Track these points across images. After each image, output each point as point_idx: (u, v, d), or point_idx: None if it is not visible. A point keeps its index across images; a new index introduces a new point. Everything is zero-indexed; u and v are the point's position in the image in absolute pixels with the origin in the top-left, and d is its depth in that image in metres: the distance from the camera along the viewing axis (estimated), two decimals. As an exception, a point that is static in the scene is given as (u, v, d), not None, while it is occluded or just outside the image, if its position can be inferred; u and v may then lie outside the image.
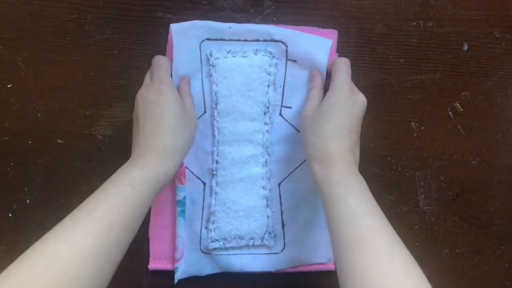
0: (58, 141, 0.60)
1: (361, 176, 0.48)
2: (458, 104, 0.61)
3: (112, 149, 0.59)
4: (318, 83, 0.56)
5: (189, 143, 0.53)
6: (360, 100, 0.51)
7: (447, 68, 0.61)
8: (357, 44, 0.60)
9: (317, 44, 0.57)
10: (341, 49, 0.60)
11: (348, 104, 0.50)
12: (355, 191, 0.46)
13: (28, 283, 0.37)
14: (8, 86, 0.59)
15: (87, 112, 0.60)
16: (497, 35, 0.60)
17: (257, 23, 0.58)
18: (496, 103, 0.61)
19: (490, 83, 0.61)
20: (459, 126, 0.61)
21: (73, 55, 0.59)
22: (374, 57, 0.60)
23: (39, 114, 0.60)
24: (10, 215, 0.60)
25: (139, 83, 0.59)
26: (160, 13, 0.58)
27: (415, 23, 0.60)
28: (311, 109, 0.53)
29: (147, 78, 0.54)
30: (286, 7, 0.59)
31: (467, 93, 0.61)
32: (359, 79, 0.60)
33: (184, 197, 0.58)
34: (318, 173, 0.49)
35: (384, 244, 0.42)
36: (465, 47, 0.61)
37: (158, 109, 0.50)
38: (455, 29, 0.60)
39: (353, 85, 0.53)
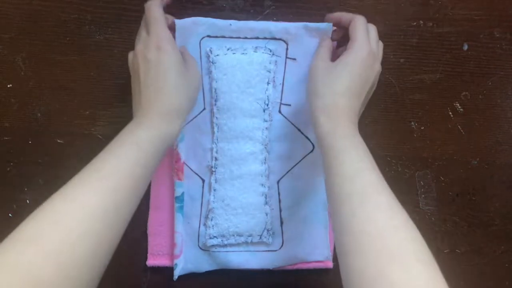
0: (58, 141, 0.60)
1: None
2: (458, 104, 0.61)
3: (112, 149, 0.59)
4: (328, 43, 0.55)
5: (193, 102, 0.52)
6: (376, 67, 0.51)
7: (447, 68, 0.61)
8: (357, 44, 0.60)
9: (318, 34, 0.57)
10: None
11: (366, 66, 0.50)
12: (359, 146, 0.46)
13: (36, 240, 0.38)
14: (8, 86, 0.59)
15: (87, 112, 0.60)
16: (497, 35, 0.60)
17: (260, 21, 0.58)
18: (496, 103, 0.61)
19: (490, 83, 0.61)
20: (459, 126, 0.61)
21: (73, 55, 0.59)
22: (374, 57, 0.60)
23: (39, 114, 0.60)
24: (10, 215, 0.60)
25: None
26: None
27: (415, 23, 0.60)
28: (322, 60, 0.52)
29: (143, 33, 0.51)
30: (286, 7, 0.59)
31: (467, 93, 0.61)
32: (359, 79, 0.60)
33: (182, 193, 0.58)
34: (324, 125, 0.48)
35: (386, 200, 0.42)
36: (465, 47, 0.61)
37: (161, 68, 0.48)
38: (455, 29, 0.60)
39: (372, 50, 0.51)
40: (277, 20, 0.59)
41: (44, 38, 0.59)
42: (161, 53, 0.48)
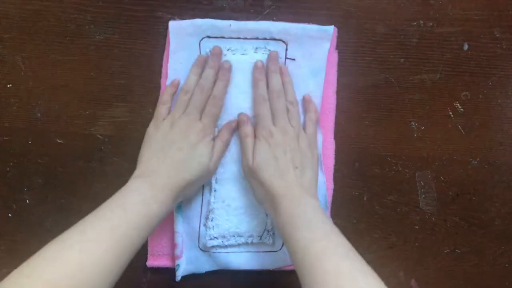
0: (58, 141, 0.60)
1: (312, 200, 0.51)
2: (458, 104, 0.61)
3: (112, 149, 0.59)
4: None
5: (195, 191, 0.58)
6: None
7: (447, 68, 0.61)
8: (357, 44, 0.60)
9: (318, 35, 0.58)
10: (341, 49, 0.60)
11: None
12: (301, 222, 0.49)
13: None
14: (8, 86, 0.59)
15: (87, 112, 0.60)
16: (497, 35, 0.60)
17: (259, 21, 0.58)
18: (496, 103, 0.61)
19: (490, 83, 0.61)
20: (459, 126, 0.61)
21: (73, 55, 0.59)
22: (374, 57, 0.60)
23: (39, 114, 0.60)
24: (10, 215, 0.60)
25: (139, 83, 0.59)
26: (160, 13, 0.58)
27: (415, 23, 0.60)
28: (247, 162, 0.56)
29: (193, 107, 0.55)
30: (286, 7, 0.59)
31: (467, 93, 0.61)
32: (359, 79, 0.60)
33: None
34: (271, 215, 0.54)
35: (330, 264, 0.44)
36: (465, 47, 0.61)
37: (191, 156, 0.53)
38: (455, 29, 0.60)
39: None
40: (277, 20, 0.59)
41: (44, 38, 0.59)
42: (200, 145, 0.54)
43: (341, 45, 0.60)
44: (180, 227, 0.59)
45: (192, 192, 0.57)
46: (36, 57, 0.59)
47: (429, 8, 0.60)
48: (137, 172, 0.52)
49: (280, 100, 0.56)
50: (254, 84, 0.57)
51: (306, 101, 0.58)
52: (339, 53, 0.60)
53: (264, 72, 0.57)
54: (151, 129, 0.55)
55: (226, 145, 0.58)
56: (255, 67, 0.57)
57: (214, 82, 0.56)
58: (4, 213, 0.60)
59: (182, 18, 0.58)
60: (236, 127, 0.58)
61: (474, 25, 0.60)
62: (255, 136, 0.56)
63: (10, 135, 0.60)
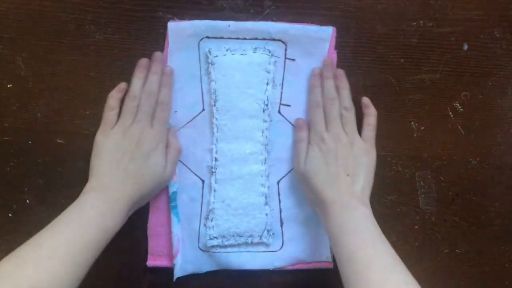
0: (58, 141, 0.60)
1: (362, 208, 0.51)
2: (458, 104, 0.61)
3: (112, 149, 0.59)
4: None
5: (150, 199, 0.58)
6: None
7: (447, 68, 0.61)
8: (357, 44, 0.60)
9: (317, 36, 0.58)
10: (341, 49, 0.60)
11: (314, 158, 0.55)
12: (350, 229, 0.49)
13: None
14: (8, 86, 0.59)
15: (87, 112, 0.60)
16: (497, 35, 0.60)
17: (258, 22, 0.59)
18: (496, 103, 0.61)
19: (490, 83, 0.61)
20: (459, 126, 0.61)
21: (73, 55, 0.59)
22: (374, 57, 0.60)
23: (39, 114, 0.60)
24: (10, 215, 0.60)
25: (139, 83, 0.59)
26: (160, 13, 0.58)
27: (415, 23, 0.60)
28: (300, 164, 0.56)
29: (143, 108, 0.55)
30: (286, 7, 0.59)
31: (467, 93, 0.61)
32: (359, 79, 0.60)
33: (174, 192, 0.58)
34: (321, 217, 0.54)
35: (375, 274, 0.44)
36: (465, 47, 0.61)
37: (145, 167, 0.53)
38: (455, 29, 0.60)
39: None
40: (277, 20, 0.59)
41: (44, 38, 0.59)
42: (155, 156, 0.54)
43: (341, 45, 0.60)
44: (175, 227, 0.59)
45: (147, 201, 0.57)
46: (36, 57, 0.59)
47: (429, 8, 0.60)
48: (90, 184, 0.52)
49: (333, 106, 0.56)
50: (310, 90, 0.58)
51: (365, 105, 0.58)
52: (338, 53, 0.60)
53: (319, 79, 0.58)
54: (100, 138, 0.55)
55: (179, 150, 0.58)
56: (312, 74, 0.58)
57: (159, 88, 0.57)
58: (4, 213, 0.60)
59: (182, 18, 0.58)
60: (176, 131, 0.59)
61: (474, 25, 0.60)
62: (308, 142, 0.56)
63: (10, 135, 0.60)
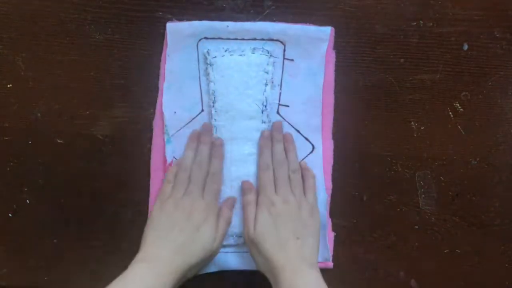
0: (58, 141, 0.60)
1: (312, 272, 0.51)
2: (458, 104, 0.61)
3: (112, 149, 0.59)
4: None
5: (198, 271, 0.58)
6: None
7: (447, 68, 0.61)
8: (357, 44, 0.60)
9: (316, 36, 0.58)
10: (341, 49, 0.60)
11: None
12: None
13: None
14: (8, 86, 0.59)
15: (87, 112, 0.60)
16: (497, 35, 0.60)
17: (257, 22, 0.59)
18: (496, 103, 0.61)
19: (490, 83, 0.61)
20: (459, 126, 0.61)
21: (73, 55, 0.59)
22: (374, 57, 0.60)
23: (39, 114, 0.60)
24: (10, 215, 0.60)
25: (139, 83, 0.59)
26: (160, 13, 0.58)
27: (415, 23, 0.60)
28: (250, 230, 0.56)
29: (195, 185, 0.56)
30: (286, 7, 0.59)
31: (467, 93, 0.61)
32: (359, 79, 0.60)
33: None
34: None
35: None
36: (465, 47, 0.61)
37: (194, 239, 0.53)
38: (455, 29, 0.60)
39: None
40: (277, 20, 0.59)
41: (44, 38, 0.59)
42: (206, 227, 0.54)
43: (341, 45, 0.60)
44: None
45: (195, 272, 0.56)
46: (36, 57, 0.59)
47: (429, 8, 0.60)
48: (140, 255, 0.52)
49: (282, 169, 0.57)
50: (260, 152, 0.58)
51: (303, 168, 0.59)
52: (338, 53, 0.60)
53: (269, 141, 0.58)
54: (155, 210, 0.55)
55: (229, 222, 0.58)
56: (262, 135, 0.59)
57: (210, 158, 0.57)
58: (4, 213, 0.60)
59: (182, 18, 0.58)
60: (234, 202, 0.59)
61: (474, 25, 0.60)
62: (257, 204, 0.56)
63: (10, 135, 0.60)
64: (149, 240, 0.53)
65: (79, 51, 0.59)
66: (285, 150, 0.58)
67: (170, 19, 0.58)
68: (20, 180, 0.60)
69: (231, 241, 0.59)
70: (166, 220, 0.54)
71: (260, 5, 0.59)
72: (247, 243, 0.56)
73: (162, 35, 0.59)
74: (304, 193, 0.57)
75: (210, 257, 0.55)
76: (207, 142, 0.58)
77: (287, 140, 0.59)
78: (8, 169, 0.60)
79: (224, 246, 0.59)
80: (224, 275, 0.60)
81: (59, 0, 0.58)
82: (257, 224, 0.54)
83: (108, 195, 0.59)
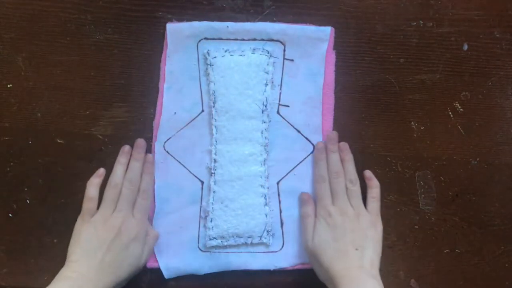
0: (58, 141, 0.60)
1: (372, 281, 0.51)
2: (458, 104, 0.61)
3: (112, 149, 0.59)
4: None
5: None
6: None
7: (447, 68, 0.61)
8: (357, 44, 0.60)
9: (316, 36, 0.58)
10: (341, 49, 0.60)
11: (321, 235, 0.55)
12: None
13: None
14: (8, 86, 0.59)
15: (87, 112, 0.60)
16: (497, 35, 0.60)
17: (256, 23, 0.59)
18: (496, 103, 0.61)
19: (490, 83, 0.61)
20: (459, 126, 0.61)
21: (73, 55, 0.59)
22: (374, 57, 0.60)
23: (39, 114, 0.60)
24: (10, 215, 0.60)
25: (139, 83, 0.59)
26: (160, 13, 0.58)
27: (415, 23, 0.60)
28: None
29: (123, 202, 0.55)
30: (286, 7, 0.59)
31: (467, 93, 0.61)
32: (359, 79, 0.60)
33: None
34: None
35: None
36: (465, 47, 0.61)
37: (122, 258, 0.53)
38: (455, 29, 0.60)
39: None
40: (277, 20, 0.59)
41: (44, 38, 0.59)
42: (135, 244, 0.54)
43: (341, 45, 0.60)
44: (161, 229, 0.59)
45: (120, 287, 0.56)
46: (36, 57, 0.59)
47: (429, 8, 0.60)
48: (65, 271, 0.51)
49: (339, 180, 0.56)
50: (315, 164, 0.59)
51: (367, 178, 0.58)
52: (338, 53, 0.60)
53: (324, 152, 0.58)
54: (80, 225, 0.54)
55: (157, 238, 0.58)
56: (316, 147, 0.59)
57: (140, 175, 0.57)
58: (4, 213, 0.60)
59: (182, 18, 0.58)
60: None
61: (474, 25, 0.60)
62: (315, 216, 0.56)
63: (10, 135, 0.60)
64: (74, 257, 0.52)
65: (79, 51, 0.59)
66: (342, 160, 0.58)
67: (170, 19, 0.58)
68: (20, 180, 0.60)
69: (231, 241, 0.59)
70: (94, 237, 0.53)
71: (260, 5, 0.59)
72: (307, 254, 0.56)
73: (162, 35, 0.59)
74: (367, 203, 0.57)
75: (135, 273, 0.56)
76: (139, 159, 0.57)
77: (342, 150, 0.58)
78: (8, 169, 0.60)
79: (225, 247, 0.59)
80: (224, 275, 0.60)
81: (59, 0, 0.58)
82: (315, 235, 0.55)
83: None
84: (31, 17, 0.58)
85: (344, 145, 0.58)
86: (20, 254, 0.60)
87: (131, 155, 0.58)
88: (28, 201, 0.60)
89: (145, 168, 0.58)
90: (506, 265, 0.62)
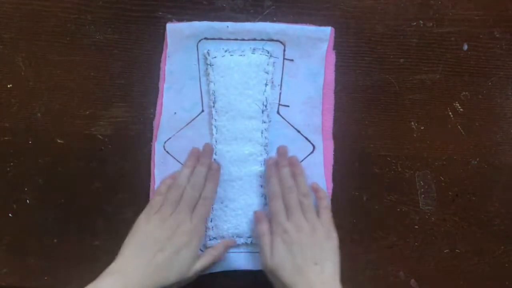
0: (58, 141, 0.60)
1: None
2: (458, 104, 0.61)
3: (112, 149, 0.59)
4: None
5: None
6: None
7: (447, 68, 0.61)
8: (357, 44, 0.60)
9: (315, 36, 0.58)
10: (341, 49, 0.60)
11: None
12: None
13: None
14: (8, 86, 0.59)
15: (87, 112, 0.60)
16: (497, 35, 0.60)
17: (257, 23, 0.59)
18: (496, 103, 0.61)
19: (490, 83, 0.61)
20: (459, 126, 0.61)
21: (73, 55, 0.59)
22: (374, 57, 0.60)
23: (39, 114, 0.60)
24: (10, 215, 0.60)
25: (139, 83, 0.59)
26: (160, 13, 0.58)
27: (415, 23, 0.60)
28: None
29: (185, 205, 0.55)
30: (286, 7, 0.59)
31: (467, 93, 0.61)
32: (359, 79, 0.60)
33: None
34: None
35: None
36: (465, 47, 0.61)
37: (172, 261, 0.52)
38: (455, 29, 0.60)
39: None
40: (277, 20, 0.59)
41: (44, 38, 0.59)
42: (186, 250, 0.53)
43: (341, 45, 0.60)
44: None
45: None
46: (36, 57, 0.59)
47: (429, 8, 0.60)
48: (115, 266, 0.51)
49: (292, 195, 0.56)
50: (267, 181, 0.58)
51: (315, 189, 0.58)
52: (338, 53, 0.60)
53: (274, 168, 0.57)
54: (142, 221, 0.54)
55: (215, 260, 0.57)
56: (266, 164, 0.58)
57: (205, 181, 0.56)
58: (4, 213, 0.60)
59: (182, 18, 0.58)
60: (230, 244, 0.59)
61: (474, 25, 0.60)
62: (271, 233, 0.55)
63: (10, 135, 0.60)
64: (127, 252, 0.52)
65: (79, 51, 0.59)
66: (293, 174, 0.57)
67: (170, 19, 0.58)
68: (20, 180, 0.60)
69: (232, 242, 0.59)
70: (150, 235, 0.53)
71: (260, 5, 0.59)
72: (266, 272, 0.55)
73: (162, 35, 0.59)
74: (319, 214, 0.56)
75: (183, 282, 0.54)
76: (206, 164, 0.57)
77: (293, 164, 0.57)
78: (8, 169, 0.60)
79: (226, 247, 0.59)
80: (225, 274, 0.60)
81: (59, 0, 0.58)
82: (273, 253, 0.54)
83: (108, 195, 0.59)
84: (31, 17, 0.58)
85: (294, 159, 0.58)
86: (20, 254, 0.60)
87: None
88: (28, 201, 0.60)
89: (210, 175, 0.57)
90: (506, 265, 0.62)
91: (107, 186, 0.60)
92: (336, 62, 0.60)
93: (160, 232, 0.53)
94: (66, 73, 0.59)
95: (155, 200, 0.55)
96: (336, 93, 0.60)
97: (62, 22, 0.58)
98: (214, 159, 0.59)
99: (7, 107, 0.60)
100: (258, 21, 0.59)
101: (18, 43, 0.59)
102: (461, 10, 0.60)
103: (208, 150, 0.57)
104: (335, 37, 0.60)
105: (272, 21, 0.59)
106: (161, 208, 0.54)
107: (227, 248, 0.58)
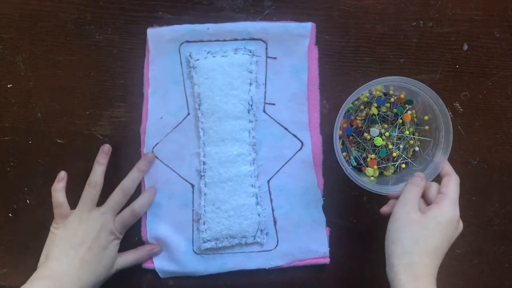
0: (58, 141, 0.60)
1: None
2: (458, 104, 0.61)
3: (112, 149, 0.59)
4: (417, 189, 0.53)
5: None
6: (460, 228, 0.53)
7: (447, 68, 0.61)
8: (357, 44, 0.60)
9: (297, 32, 0.58)
10: (341, 49, 0.60)
11: (453, 227, 0.51)
12: None
13: None
14: (8, 86, 0.59)
15: (87, 112, 0.60)
16: (497, 35, 0.60)
17: (237, 22, 0.58)
18: (496, 103, 0.61)
19: (490, 83, 0.61)
20: (459, 126, 0.61)
21: (73, 55, 0.59)
22: (374, 57, 0.60)
23: (39, 114, 0.60)
24: (10, 215, 0.60)
25: (139, 83, 0.59)
26: (160, 13, 0.58)
27: (415, 23, 0.60)
28: (413, 211, 0.51)
29: (109, 205, 0.55)
30: (286, 7, 0.59)
31: (467, 93, 0.61)
32: (359, 79, 0.60)
33: None
34: (406, 284, 0.48)
35: None
36: (465, 47, 0.61)
37: (100, 258, 0.53)
38: (455, 29, 0.60)
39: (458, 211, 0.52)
40: (277, 20, 0.59)
41: (44, 38, 0.59)
42: (106, 252, 0.54)
43: (341, 45, 0.60)
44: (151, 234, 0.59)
45: None
46: (36, 57, 0.59)
47: (429, 8, 0.60)
48: (43, 271, 0.51)
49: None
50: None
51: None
52: (338, 53, 0.60)
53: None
54: (55, 228, 0.54)
55: (138, 261, 0.58)
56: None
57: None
58: (4, 213, 0.60)
59: (182, 18, 0.58)
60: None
61: (474, 25, 0.60)
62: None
63: (10, 135, 0.60)
64: (53, 255, 0.52)
65: (79, 51, 0.59)
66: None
67: (170, 19, 0.58)
68: (20, 180, 0.60)
69: (225, 243, 0.59)
70: (72, 236, 0.53)
71: (260, 5, 0.59)
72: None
73: (162, 35, 0.59)
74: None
75: (107, 277, 0.55)
76: (142, 169, 0.58)
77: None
78: (8, 169, 0.60)
79: (220, 248, 0.59)
80: (223, 274, 0.60)
81: (59, 0, 0.58)
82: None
83: (108, 195, 0.59)
84: (31, 17, 0.58)
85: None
86: (20, 254, 0.61)
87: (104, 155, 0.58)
88: (28, 201, 0.60)
89: (146, 192, 0.58)
90: (506, 265, 0.62)
91: (107, 186, 0.60)
92: (336, 62, 0.60)
93: (85, 232, 0.53)
94: (66, 73, 0.59)
95: (58, 212, 0.55)
96: (336, 93, 0.60)
97: (62, 22, 0.58)
98: (203, 161, 0.59)
99: (7, 107, 0.60)
100: (258, 21, 0.59)
101: (18, 43, 0.59)
102: (461, 10, 0.60)
103: (107, 150, 0.58)
104: (335, 37, 0.60)
105: (272, 21, 0.59)
106: (78, 210, 0.55)
107: (151, 253, 0.59)
